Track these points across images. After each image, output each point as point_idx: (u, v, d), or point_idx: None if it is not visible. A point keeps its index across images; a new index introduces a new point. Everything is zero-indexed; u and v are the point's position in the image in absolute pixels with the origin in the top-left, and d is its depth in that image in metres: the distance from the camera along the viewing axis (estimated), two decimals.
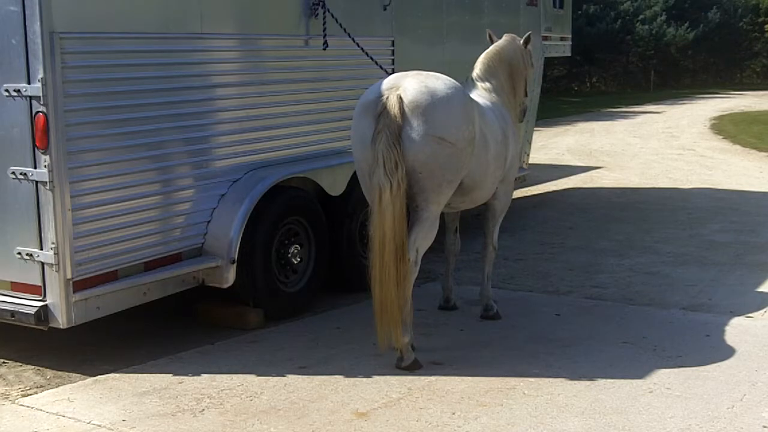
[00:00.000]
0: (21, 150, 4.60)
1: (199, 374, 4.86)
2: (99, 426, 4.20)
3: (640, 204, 10.73)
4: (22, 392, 4.71)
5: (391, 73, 5.73)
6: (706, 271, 7.27)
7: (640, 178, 12.85)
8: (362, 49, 6.35)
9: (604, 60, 39.50)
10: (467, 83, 5.76)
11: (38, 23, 4.44)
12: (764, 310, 6.14)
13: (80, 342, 5.38)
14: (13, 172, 4.64)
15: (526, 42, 6.11)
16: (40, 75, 4.47)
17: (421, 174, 4.83)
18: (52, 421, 4.28)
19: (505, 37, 6.07)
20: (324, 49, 6.23)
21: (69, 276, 4.65)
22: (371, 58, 6.39)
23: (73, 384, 4.80)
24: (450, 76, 5.12)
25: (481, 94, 5.68)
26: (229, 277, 5.46)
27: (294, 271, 6.07)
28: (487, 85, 5.81)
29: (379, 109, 4.80)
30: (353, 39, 6.31)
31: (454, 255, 6.11)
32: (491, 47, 6.00)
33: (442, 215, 5.34)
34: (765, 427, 4.20)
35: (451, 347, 5.36)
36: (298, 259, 6.05)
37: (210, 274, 5.47)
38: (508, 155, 5.64)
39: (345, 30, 6.26)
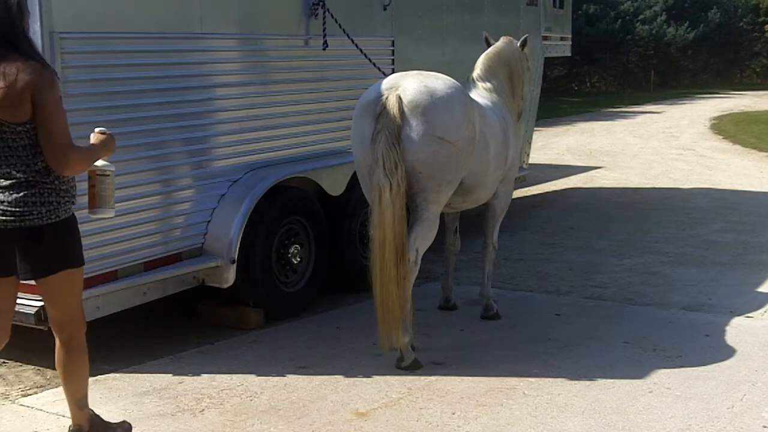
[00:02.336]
0: None
1: (199, 374, 4.86)
2: None
3: (640, 204, 10.74)
4: (22, 392, 4.71)
5: (389, 74, 5.74)
6: (706, 271, 7.27)
7: (640, 178, 12.85)
8: (361, 50, 6.35)
9: (604, 60, 39.51)
10: (468, 83, 5.76)
11: (38, 23, 4.43)
12: (764, 310, 6.14)
13: None
14: None
15: (523, 45, 6.14)
16: None
17: (421, 174, 4.83)
18: (52, 421, 4.28)
19: (503, 40, 6.10)
20: (324, 49, 6.23)
21: None
22: (369, 60, 6.38)
23: None
24: (450, 76, 5.12)
25: (481, 94, 5.68)
26: (229, 277, 5.46)
27: (294, 271, 6.07)
28: (488, 85, 5.82)
29: (378, 109, 4.81)
30: (352, 40, 6.31)
31: (454, 255, 6.11)
32: (490, 49, 6.03)
33: (442, 215, 5.34)
34: (765, 427, 4.20)
35: (451, 347, 5.37)
36: (298, 259, 6.05)
37: (210, 274, 5.47)
38: (508, 155, 5.64)
39: (344, 31, 6.25)
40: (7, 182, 3.44)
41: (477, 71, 5.89)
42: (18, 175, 3.43)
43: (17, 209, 3.43)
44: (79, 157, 3.52)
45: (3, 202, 3.44)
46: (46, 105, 3.38)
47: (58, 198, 3.49)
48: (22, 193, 3.43)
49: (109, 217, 3.98)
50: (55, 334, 3.75)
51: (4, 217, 3.44)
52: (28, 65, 3.36)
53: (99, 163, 3.67)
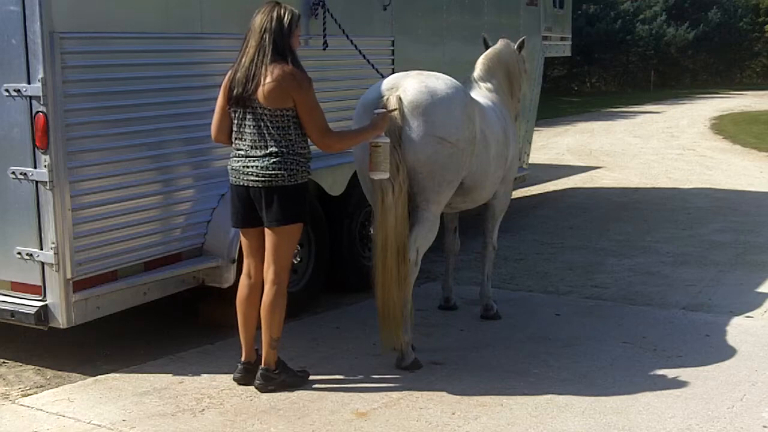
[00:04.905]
0: (21, 150, 4.60)
1: (199, 374, 4.86)
2: (99, 426, 4.20)
3: (640, 204, 10.74)
4: (22, 392, 4.71)
5: (388, 75, 5.73)
6: (706, 271, 7.27)
7: (640, 178, 12.86)
8: (359, 51, 6.33)
9: (604, 60, 39.50)
10: (468, 83, 5.77)
11: (38, 23, 4.43)
12: (764, 310, 6.14)
13: (80, 342, 5.38)
14: (13, 172, 4.64)
15: (520, 47, 6.15)
16: (40, 75, 4.47)
17: (421, 174, 4.83)
18: (52, 421, 4.28)
19: (501, 42, 6.11)
20: (324, 49, 6.23)
21: (69, 276, 4.65)
22: (368, 61, 6.35)
23: (73, 384, 4.80)
24: (450, 76, 5.12)
25: (482, 94, 5.68)
26: (229, 277, 5.45)
27: (294, 271, 6.05)
28: (488, 85, 5.82)
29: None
30: (351, 40, 6.29)
31: (454, 255, 6.11)
32: (489, 50, 6.04)
33: (442, 215, 5.34)
34: (765, 427, 4.20)
35: (451, 347, 5.37)
36: (298, 260, 6.05)
37: (210, 274, 5.47)
38: (508, 155, 5.64)
39: (343, 31, 6.24)
40: (262, 152, 4.42)
41: (477, 71, 5.90)
42: (271, 148, 4.41)
43: (268, 172, 4.41)
44: (338, 140, 4.62)
45: (258, 167, 4.42)
46: (306, 103, 4.41)
47: (297, 166, 4.45)
48: (272, 161, 4.41)
49: (384, 177, 4.70)
50: (264, 280, 4.63)
51: (256, 178, 4.43)
52: (290, 71, 4.38)
53: (377, 138, 4.63)
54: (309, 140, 4.56)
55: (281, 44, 4.41)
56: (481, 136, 5.15)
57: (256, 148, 4.45)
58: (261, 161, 4.43)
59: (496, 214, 5.92)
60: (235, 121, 4.52)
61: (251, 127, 4.45)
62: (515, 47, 6.13)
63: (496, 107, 5.64)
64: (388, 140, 4.67)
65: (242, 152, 4.50)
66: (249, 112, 4.44)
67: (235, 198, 4.60)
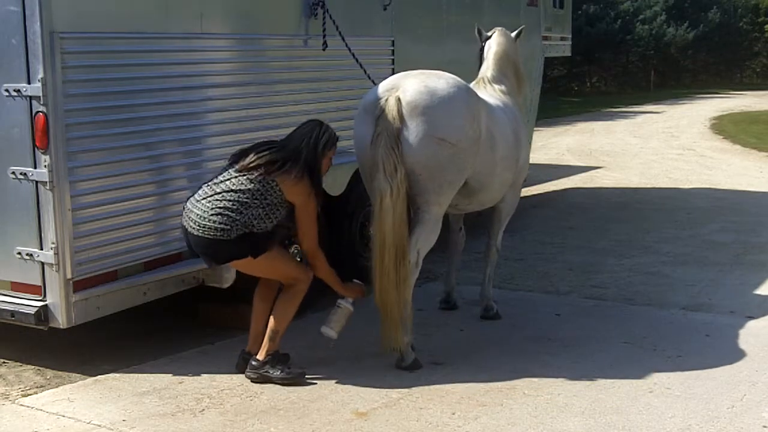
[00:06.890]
0: (21, 150, 4.60)
1: (199, 374, 4.86)
2: (99, 426, 4.20)
3: (640, 204, 10.74)
4: (22, 392, 4.71)
5: (384, 78, 5.70)
6: (706, 271, 7.27)
7: (640, 178, 12.86)
8: (353, 54, 6.26)
9: (604, 60, 39.48)
10: (480, 84, 5.73)
11: (38, 23, 4.43)
12: (764, 310, 6.14)
13: (80, 342, 5.37)
14: (13, 172, 4.64)
15: (518, 35, 6.15)
16: (40, 75, 4.47)
17: (421, 176, 4.81)
18: (52, 421, 4.28)
19: (499, 33, 6.04)
20: (323, 50, 6.22)
21: (69, 276, 4.65)
22: (360, 66, 6.29)
23: (73, 384, 4.80)
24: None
25: (494, 96, 5.63)
26: (229, 277, 5.45)
27: None
28: (501, 87, 5.78)
29: (378, 111, 4.79)
30: (347, 44, 6.25)
31: (459, 253, 6.09)
32: (497, 48, 5.95)
33: (447, 216, 5.32)
34: (765, 427, 4.20)
35: (451, 347, 5.37)
36: (298, 260, 6.04)
37: (210, 274, 5.46)
38: (519, 157, 5.59)
39: (340, 34, 6.21)
40: (209, 203, 4.54)
41: (490, 72, 5.83)
42: (221, 205, 4.51)
43: (204, 222, 4.51)
44: (323, 263, 4.85)
45: (197, 215, 4.54)
46: (303, 212, 4.68)
47: (233, 224, 4.49)
48: (214, 212, 4.50)
49: (330, 338, 4.90)
50: None
51: (193, 225, 4.56)
52: (307, 183, 4.64)
53: (343, 300, 4.91)
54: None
55: (312, 161, 4.70)
56: (487, 135, 5.09)
57: (215, 192, 4.57)
58: (202, 208, 4.53)
59: (502, 218, 5.89)
60: (223, 173, 4.67)
61: (230, 181, 4.59)
62: (513, 35, 6.12)
63: (507, 109, 5.59)
64: (352, 309, 4.91)
65: (199, 195, 4.63)
66: (241, 175, 4.60)
67: (183, 233, 4.73)
